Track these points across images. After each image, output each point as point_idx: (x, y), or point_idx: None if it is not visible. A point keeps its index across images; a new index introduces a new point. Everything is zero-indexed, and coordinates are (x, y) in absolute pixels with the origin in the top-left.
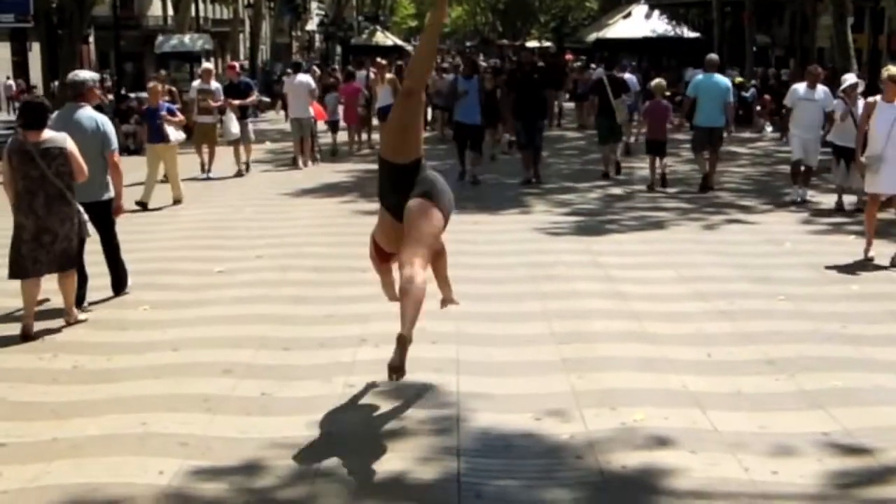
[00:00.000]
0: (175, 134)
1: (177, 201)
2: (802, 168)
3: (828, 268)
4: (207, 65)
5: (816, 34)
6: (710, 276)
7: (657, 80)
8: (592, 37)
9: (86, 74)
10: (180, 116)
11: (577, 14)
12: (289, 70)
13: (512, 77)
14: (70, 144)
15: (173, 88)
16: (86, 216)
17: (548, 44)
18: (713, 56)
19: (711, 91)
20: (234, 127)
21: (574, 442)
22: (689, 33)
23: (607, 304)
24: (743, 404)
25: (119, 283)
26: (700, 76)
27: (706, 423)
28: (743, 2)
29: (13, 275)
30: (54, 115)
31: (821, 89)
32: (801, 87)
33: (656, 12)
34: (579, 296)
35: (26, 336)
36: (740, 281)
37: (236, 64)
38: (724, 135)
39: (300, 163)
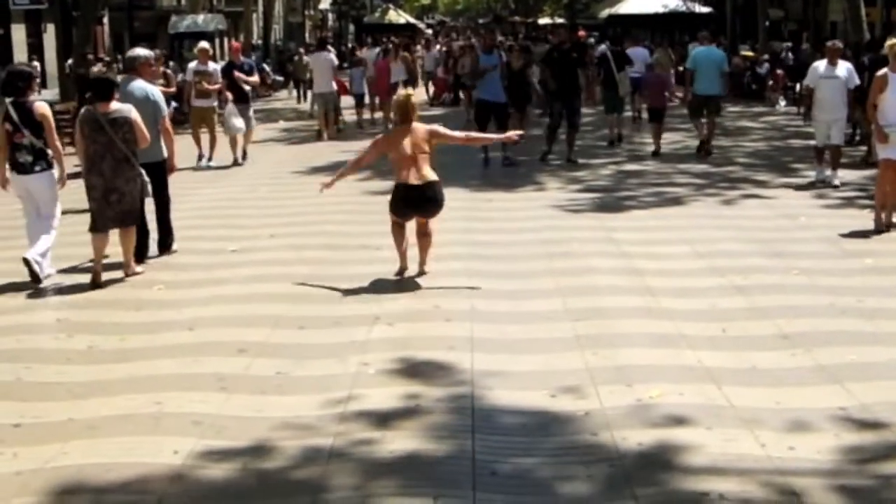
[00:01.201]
0: None
1: None
2: (826, 149)
3: (842, 241)
4: (203, 44)
5: (829, 8)
6: (724, 251)
7: (658, 54)
8: (605, 13)
9: (140, 51)
10: None
11: None
12: (300, 49)
13: (549, 56)
14: (135, 114)
15: (168, 71)
16: (147, 179)
17: (560, 20)
18: (705, 32)
19: (708, 61)
20: (239, 122)
21: (589, 419)
22: (701, 8)
23: (622, 280)
24: (758, 380)
25: (164, 241)
26: (696, 49)
27: (722, 399)
28: None
29: (91, 228)
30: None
31: (843, 65)
32: (821, 65)
33: None
34: (594, 272)
35: (95, 284)
36: (755, 256)
37: (239, 45)
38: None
39: (324, 135)
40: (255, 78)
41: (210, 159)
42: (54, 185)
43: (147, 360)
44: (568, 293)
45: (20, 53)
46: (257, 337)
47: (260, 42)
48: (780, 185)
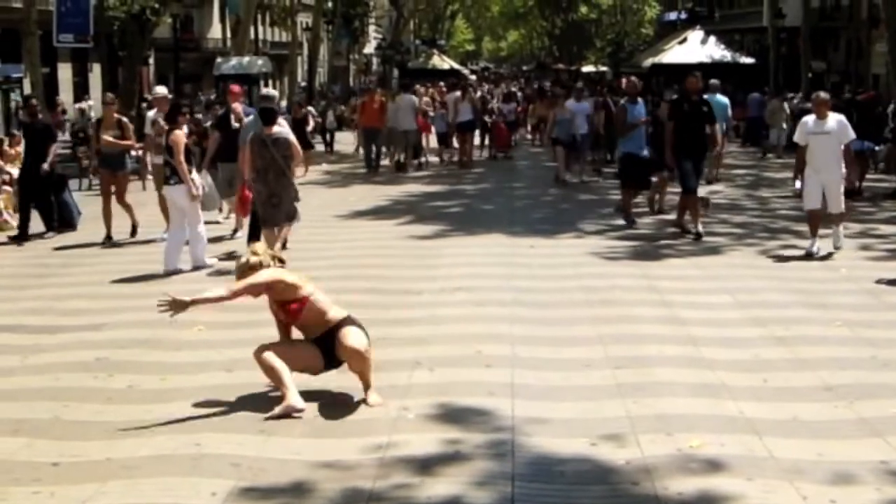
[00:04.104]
0: None
1: None
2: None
3: (885, 293)
4: (160, 89)
5: (872, 61)
6: (765, 301)
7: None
8: (648, 62)
9: (273, 91)
10: None
11: (632, 39)
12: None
13: (677, 108)
14: (291, 136)
15: (124, 119)
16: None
17: (604, 68)
18: (715, 81)
19: (715, 108)
20: (215, 198)
21: (630, 468)
22: (744, 59)
23: (663, 328)
24: (800, 431)
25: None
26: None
27: (763, 450)
28: (798, 28)
29: (261, 225)
30: (250, 117)
31: (833, 119)
32: (810, 119)
33: (712, 38)
34: (635, 320)
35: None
36: (796, 306)
37: (239, 88)
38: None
39: (408, 167)
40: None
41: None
42: (184, 198)
43: (186, 401)
44: (609, 341)
45: (66, 93)
46: (297, 379)
47: (304, 84)
48: (821, 235)
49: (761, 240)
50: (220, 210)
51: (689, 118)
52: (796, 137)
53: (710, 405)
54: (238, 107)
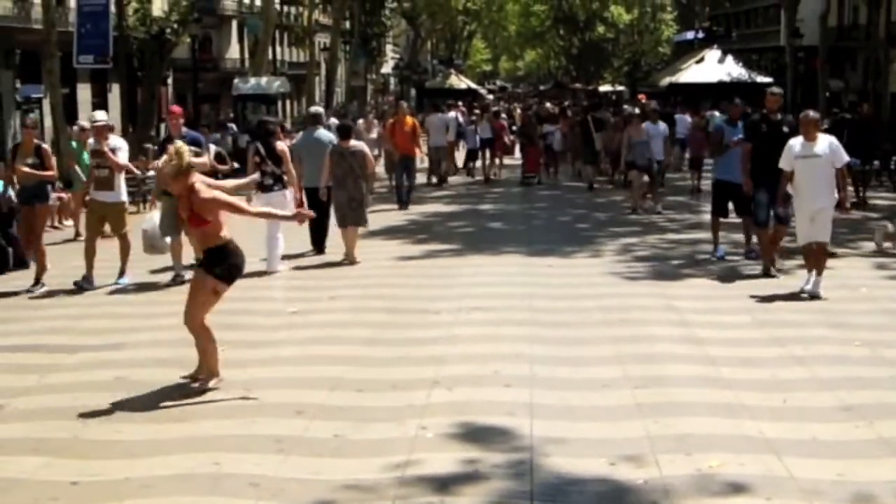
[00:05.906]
0: None
1: None
2: (815, 247)
3: None
4: (99, 115)
5: (889, 80)
6: (785, 321)
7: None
8: (666, 81)
9: (320, 109)
10: None
11: (650, 59)
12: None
13: (755, 128)
14: (365, 149)
15: (43, 144)
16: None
17: (621, 88)
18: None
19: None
20: (162, 241)
21: (649, 488)
22: (761, 78)
23: (682, 348)
24: (820, 451)
25: (323, 243)
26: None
27: (782, 470)
28: (815, 47)
29: (339, 225)
30: (301, 133)
31: (824, 140)
32: (797, 143)
33: (729, 57)
34: (654, 340)
35: (351, 262)
36: (815, 326)
37: (179, 109)
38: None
39: (433, 179)
40: (204, 159)
41: (123, 274)
42: (286, 203)
43: (205, 420)
44: (628, 361)
45: (84, 112)
46: (315, 399)
47: (322, 104)
48: (841, 255)
49: (779, 259)
50: None
51: (767, 140)
52: (781, 163)
53: (729, 425)
54: (181, 128)
